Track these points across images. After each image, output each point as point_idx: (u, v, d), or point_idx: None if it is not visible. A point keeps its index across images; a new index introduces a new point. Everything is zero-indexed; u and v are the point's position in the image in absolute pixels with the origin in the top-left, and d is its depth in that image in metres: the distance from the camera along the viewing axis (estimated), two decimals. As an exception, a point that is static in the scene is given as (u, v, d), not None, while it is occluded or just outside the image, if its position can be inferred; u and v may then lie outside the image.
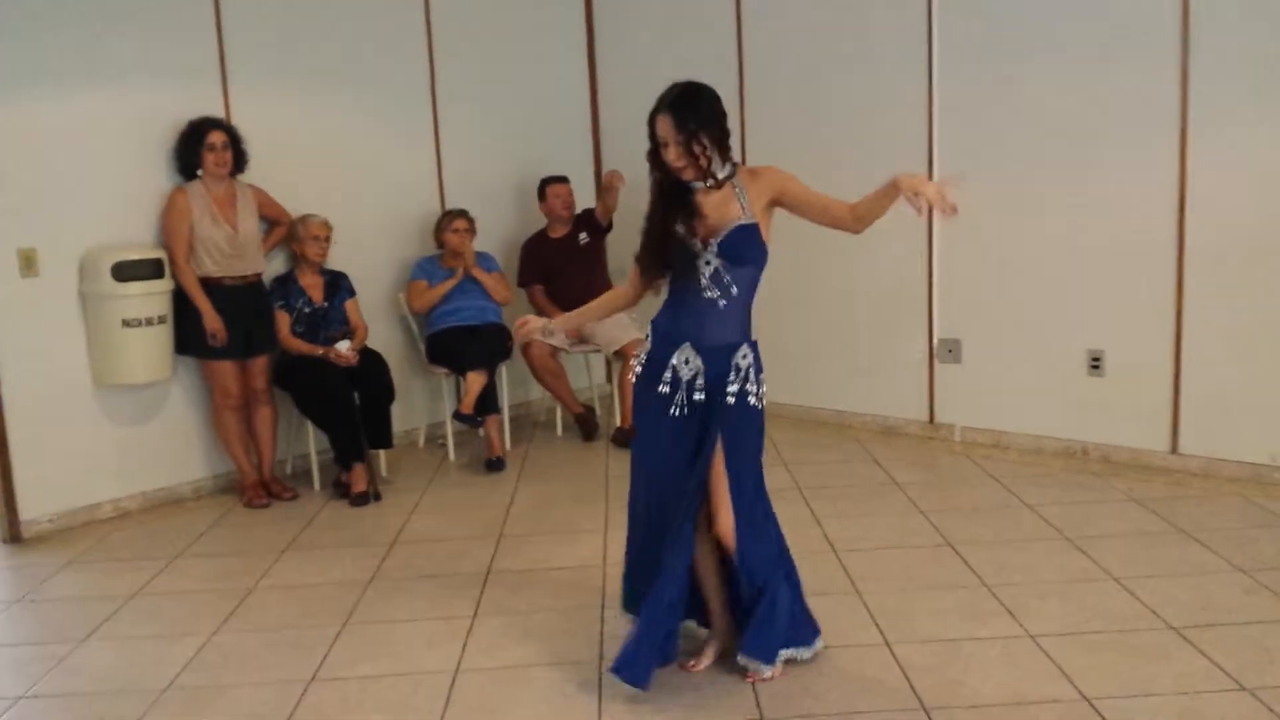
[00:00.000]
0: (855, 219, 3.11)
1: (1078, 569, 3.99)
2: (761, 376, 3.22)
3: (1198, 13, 4.72)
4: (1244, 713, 2.94)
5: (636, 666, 3.14)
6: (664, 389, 3.18)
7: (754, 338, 3.23)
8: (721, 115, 3.12)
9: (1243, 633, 3.40)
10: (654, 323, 3.27)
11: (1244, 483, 4.81)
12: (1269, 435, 4.78)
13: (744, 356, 3.17)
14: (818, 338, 6.27)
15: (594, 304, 3.49)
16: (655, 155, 3.14)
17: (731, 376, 3.15)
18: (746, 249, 3.11)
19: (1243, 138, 4.69)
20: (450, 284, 5.93)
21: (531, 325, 3.42)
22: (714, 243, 3.09)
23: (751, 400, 3.18)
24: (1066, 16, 5.11)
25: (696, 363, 3.16)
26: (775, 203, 3.17)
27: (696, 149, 3.05)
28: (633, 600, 3.40)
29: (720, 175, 3.12)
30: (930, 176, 5.60)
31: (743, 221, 3.09)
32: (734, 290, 3.12)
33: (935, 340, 5.80)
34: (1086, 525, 4.42)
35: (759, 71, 6.24)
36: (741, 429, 3.18)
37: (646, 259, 3.18)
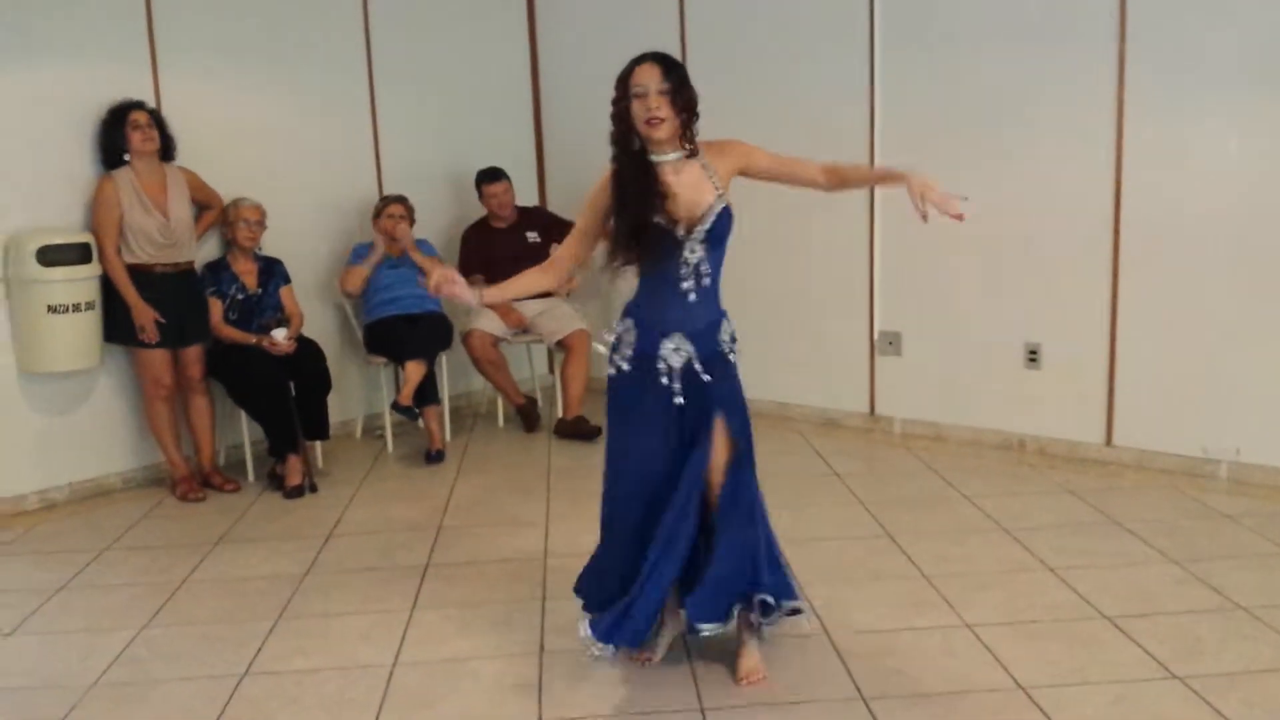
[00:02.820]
0: (831, 181, 3.11)
1: (1014, 560, 4.03)
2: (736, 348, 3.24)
3: (1135, 4, 4.78)
4: (1175, 700, 2.99)
5: (624, 631, 3.11)
6: (664, 380, 3.08)
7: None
8: (691, 88, 3.03)
9: (1174, 622, 3.46)
10: (633, 315, 3.13)
11: (1176, 475, 4.90)
12: (1201, 428, 4.87)
13: (725, 330, 3.16)
14: (759, 330, 6.24)
15: (516, 282, 3.31)
16: (622, 116, 2.99)
17: (724, 350, 3.15)
18: (723, 230, 3.06)
19: (1179, 131, 4.76)
20: (374, 259, 5.82)
21: (458, 290, 3.15)
22: (700, 230, 3.00)
23: (733, 357, 3.19)
24: (1007, 6, 5.15)
25: (688, 348, 3.08)
26: (740, 173, 3.12)
27: (680, 101, 2.94)
28: (597, 604, 3.29)
29: (679, 151, 3.03)
30: (871, 165, 5.63)
31: (717, 204, 3.02)
32: (706, 281, 3.07)
33: (876, 333, 5.83)
34: (1023, 517, 4.47)
35: (702, 55, 6.19)
36: (732, 394, 3.15)
37: (622, 249, 3.02)
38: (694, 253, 3.02)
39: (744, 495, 3.14)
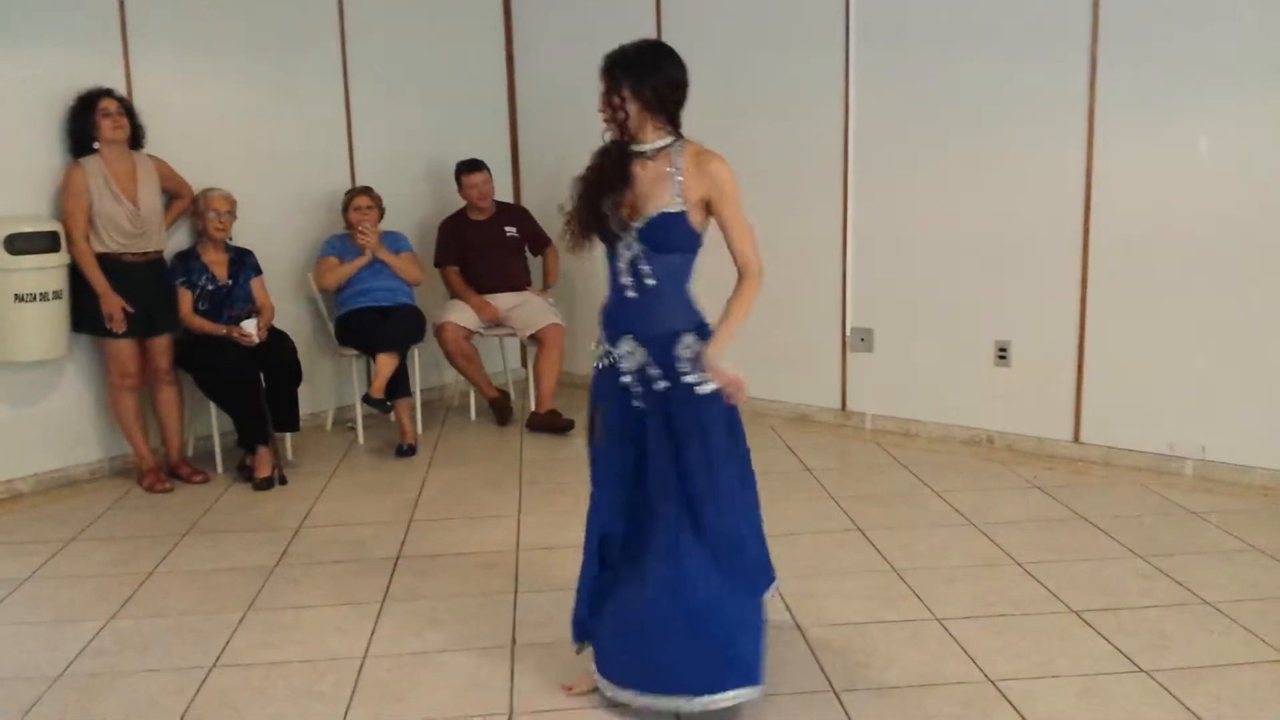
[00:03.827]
0: (739, 281, 2.98)
1: (983, 554, 4.06)
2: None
3: (1108, 7, 4.82)
4: (1141, 693, 3.02)
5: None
6: (624, 379, 2.94)
7: (706, 321, 2.96)
8: (664, 76, 2.87)
9: (1140, 616, 3.49)
10: (602, 311, 3.03)
11: (1143, 471, 4.95)
12: (1167, 425, 4.92)
13: (686, 347, 2.90)
14: (732, 325, 6.28)
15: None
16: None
17: (680, 368, 2.89)
18: (670, 236, 2.86)
19: (1149, 132, 4.80)
20: (361, 262, 5.81)
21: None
22: (634, 226, 2.85)
23: (703, 389, 2.89)
24: (981, 7, 5.18)
25: (641, 353, 2.92)
26: (705, 204, 2.89)
27: (616, 100, 2.87)
28: (586, 633, 3.11)
29: (650, 144, 2.89)
30: (845, 165, 5.66)
31: (667, 209, 2.83)
32: (649, 282, 2.88)
33: (848, 329, 5.86)
34: (992, 512, 4.50)
35: (676, 47, 6.19)
36: (697, 425, 2.90)
37: (575, 226, 2.96)
38: (629, 249, 2.89)
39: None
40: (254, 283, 5.45)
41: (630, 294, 2.92)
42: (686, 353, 2.90)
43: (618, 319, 2.96)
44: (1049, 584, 3.76)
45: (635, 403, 2.95)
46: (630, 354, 2.94)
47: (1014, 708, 2.95)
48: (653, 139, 2.91)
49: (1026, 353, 5.28)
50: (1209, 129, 4.67)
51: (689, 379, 2.89)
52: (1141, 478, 4.89)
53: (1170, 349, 4.87)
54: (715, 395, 2.90)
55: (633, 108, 2.88)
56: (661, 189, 2.86)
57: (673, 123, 2.92)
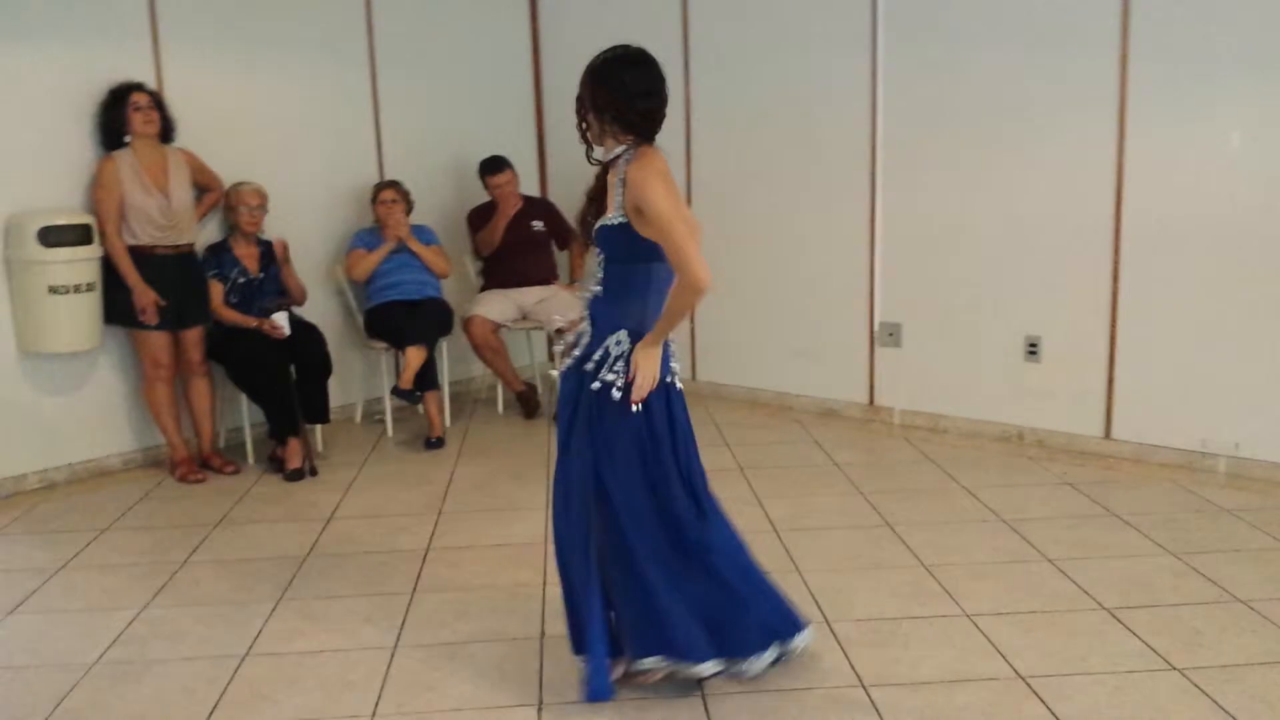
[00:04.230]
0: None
1: (1013, 550, 4.04)
2: (619, 367, 2.87)
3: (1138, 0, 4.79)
4: (1174, 691, 3.00)
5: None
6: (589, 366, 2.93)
7: (639, 329, 2.87)
8: (619, 86, 2.83)
9: (1172, 614, 3.47)
10: None
11: (1175, 468, 4.91)
12: (1200, 422, 4.88)
13: (618, 343, 2.88)
14: (760, 319, 6.29)
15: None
16: None
17: (597, 357, 2.89)
18: (611, 247, 2.87)
19: (1181, 125, 4.76)
20: (386, 249, 5.83)
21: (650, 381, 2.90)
22: (594, 234, 2.93)
23: (614, 393, 2.86)
24: (1009, 2, 5.15)
25: (584, 341, 2.96)
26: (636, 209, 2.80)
27: (580, 109, 2.90)
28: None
29: (600, 155, 2.92)
30: (873, 160, 5.64)
31: (608, 220, 2.85)
32: (601, 288, 2.91)
33: (876, 324, 5.84)
34: (1022, 508, 4.48)
35: (704, 42, 6.20)
36: (601, 422, 2.89)
37: (580, 231, 3.06)
38: (599, 254, 2.94)
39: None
40: (284, 270, 5.47)
41: (594, 290, 2.96)
42: (616, 349, 2.88)
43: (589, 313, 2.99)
44: (1080, 580, 3.74)
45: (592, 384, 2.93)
46: (582, 337, 2.98)
47: (1045, 704, 2.94)
48: (611, 148, 2.91)
49: (1057, 348, 5.25)
50: (1242, 122, 4.62)
51: (606, 375, 2.88)
52: (1173, 474, 4.85)
53: (1203, 344, 4.82)
54: (607, 390, 2.87)
55: (591, 117, 2.90)
56: (610, 199, 2.88)
57: (633, 131, 2.86)
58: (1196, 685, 3.02)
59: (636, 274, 2.89)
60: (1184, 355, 4.88)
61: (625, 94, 2.84)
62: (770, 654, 2.99)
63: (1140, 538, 4.13)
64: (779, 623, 3.04)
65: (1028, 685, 3.04)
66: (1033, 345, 5.32)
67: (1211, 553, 3.95)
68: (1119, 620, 3.43)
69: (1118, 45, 4.85)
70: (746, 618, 2.98)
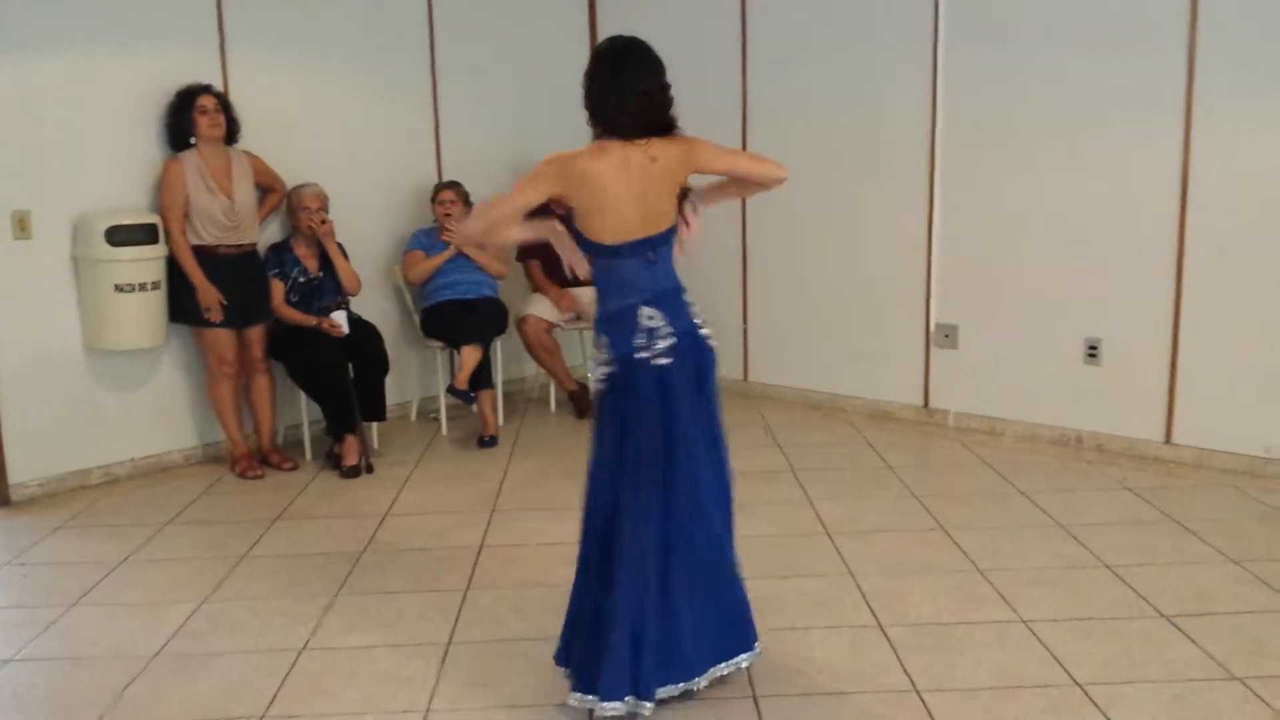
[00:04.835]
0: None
1: (1070, 556, 3.99)
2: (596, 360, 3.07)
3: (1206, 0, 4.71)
4: (1235, 700, 2.95)
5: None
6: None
7: (600, 324, 3.10)
8: (590, 79, 2.99)
9: (1233, 622, 3.41)
10: None
11: (1237, 474, 4.82)
12: (1263, 427, 4.79)
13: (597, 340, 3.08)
14: (813, 320, 6.26)
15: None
16: None
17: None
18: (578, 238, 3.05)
19: (1247, 126, 4.68)
20: (446, 255, 5.89)
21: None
22: None
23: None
24: (1073, 2, 5.09)
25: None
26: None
27: None
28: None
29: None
30: (932, 160, 5.60)
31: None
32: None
33: (932, 325, 5.79)
34: (1080, 513, 4.42)
35: (763, 47, 6.18)
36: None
37: None
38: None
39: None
40: (339, 264, 5.52)
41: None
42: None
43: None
44: (1138, 587, 3.68)
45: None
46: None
47: (1102, 712, 2.90)
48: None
49: (1118, 351, 5.17)
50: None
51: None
52: (1235, 480, 4.76)
53: (1267, 349, 4.73)
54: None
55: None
56: None
57: (599, 125, 3.00)
58: (1257, 695, 2.97)
59: (601, 265, 3.13)
60: (1247, 359, 4.79)
61: (591, 91, 3.00)
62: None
63: (1200, 544, 4.06)
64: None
65: (1084, 693, 3.01)
66: (1093, 348, 5.24)
67: (1273, 560, 3.88)
68: (1178, 628, 3.38)
69: (1185, 45, 4.77)
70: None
